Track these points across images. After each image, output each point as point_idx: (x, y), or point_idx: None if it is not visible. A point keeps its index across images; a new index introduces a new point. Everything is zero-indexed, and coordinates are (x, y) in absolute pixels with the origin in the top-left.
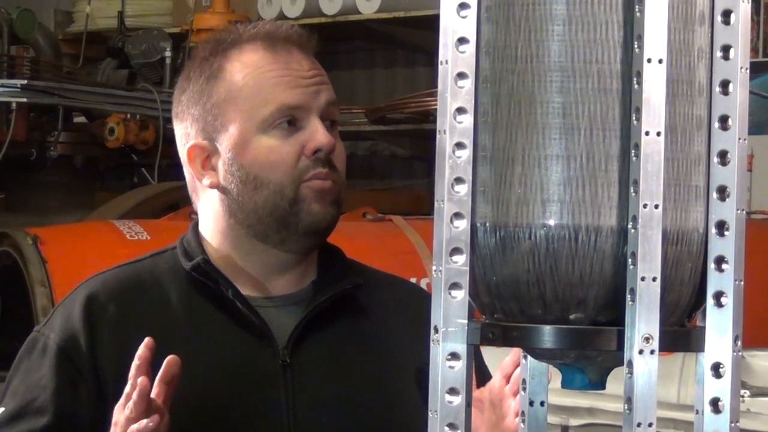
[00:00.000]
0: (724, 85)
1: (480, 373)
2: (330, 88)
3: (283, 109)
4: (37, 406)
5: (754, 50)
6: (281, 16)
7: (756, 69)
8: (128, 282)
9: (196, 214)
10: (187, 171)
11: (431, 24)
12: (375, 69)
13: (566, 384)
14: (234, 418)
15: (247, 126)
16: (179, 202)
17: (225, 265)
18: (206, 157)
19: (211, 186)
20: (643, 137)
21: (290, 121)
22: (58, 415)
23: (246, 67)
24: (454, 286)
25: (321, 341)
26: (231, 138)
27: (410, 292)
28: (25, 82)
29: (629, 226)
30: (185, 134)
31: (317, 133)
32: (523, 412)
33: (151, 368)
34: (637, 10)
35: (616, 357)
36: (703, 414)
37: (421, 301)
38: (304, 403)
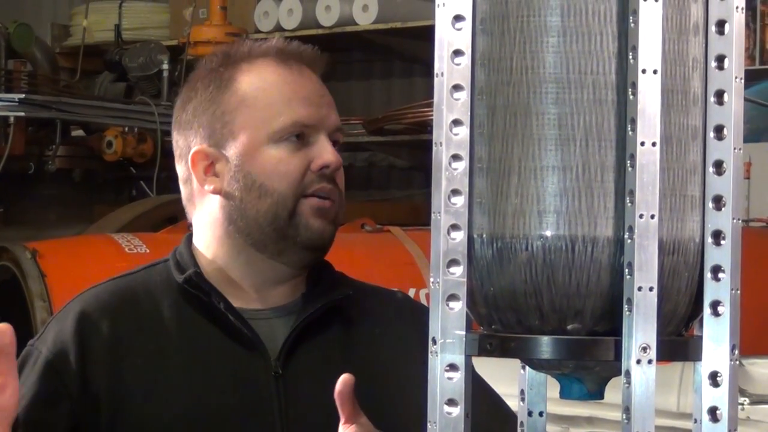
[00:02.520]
0: (719, 95)
1: (496, 412)
2: (336, 112)
3: (297, 125)
4: None
5: (750, 58)
6: (278, 28)
7: (752, 77)
8: (121, 295)
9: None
10: (184, 186)
11: (428, 34)
12: (372, 80)
13: (564, 394)
14: (227, 430)
15: (257, 135)
16: (178, 215)
17: (217, 278)
18: (210, 163)
19: (214, 191)
20: (639, 148)
21: (299, 135)
22: (27, 426)
23: (260, 78)
24: (452, 297)
25: (312, 351)
26: (240, 145)
27: (398, 302)
28: (22, 96)
29: (625, 236)
30: (189, 142)
31: (325, 151)
32: (522, 422)
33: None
34: (631, 21)
35: (613, 367)
36: (701, 423)
37: (409, 310)
38: (297, 413)
